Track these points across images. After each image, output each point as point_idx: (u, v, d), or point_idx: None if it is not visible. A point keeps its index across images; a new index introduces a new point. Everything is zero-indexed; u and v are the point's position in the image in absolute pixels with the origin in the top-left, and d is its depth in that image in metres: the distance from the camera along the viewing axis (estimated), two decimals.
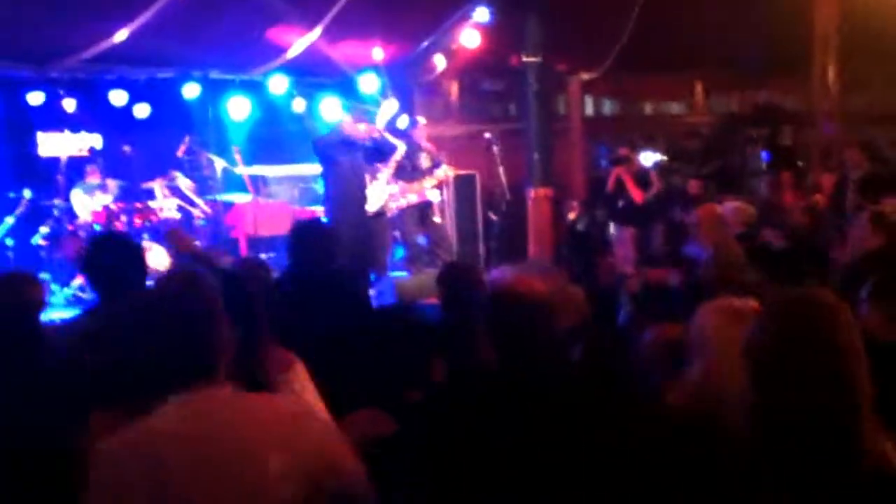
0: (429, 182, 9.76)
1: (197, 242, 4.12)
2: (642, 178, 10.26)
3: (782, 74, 12.90)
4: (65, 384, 3.08)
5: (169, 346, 2.20)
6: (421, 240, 9.88)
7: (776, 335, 2.15)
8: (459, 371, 3.55)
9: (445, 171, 9.94)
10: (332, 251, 4.81)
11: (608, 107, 15.08)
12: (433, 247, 9.79)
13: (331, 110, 10.95)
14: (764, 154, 13.08)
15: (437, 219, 9.96)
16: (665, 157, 12.38)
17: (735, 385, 2.82)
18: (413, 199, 9.70)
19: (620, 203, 10.19)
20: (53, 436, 2.89)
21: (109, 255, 3.78)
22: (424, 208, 9.78)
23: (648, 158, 11.66)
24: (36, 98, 9.81)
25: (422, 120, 10.25)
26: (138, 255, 3.89)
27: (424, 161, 9.82)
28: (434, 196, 9.88)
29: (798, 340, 2.11)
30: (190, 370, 2.19)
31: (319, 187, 10.44)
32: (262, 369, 3.14)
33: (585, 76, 13.12)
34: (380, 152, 9.21)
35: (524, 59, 10.66)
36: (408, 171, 9.68)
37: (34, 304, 3.67)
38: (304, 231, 4.84)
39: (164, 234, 5.28)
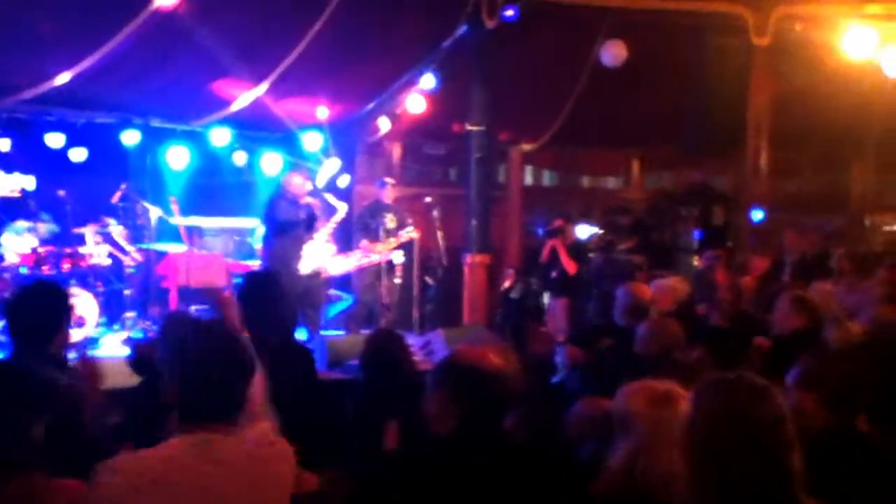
0: (392, 242, 9.83)
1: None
2: (577, 249, 10.40)
3: (715, 154, 13.25)
4: None
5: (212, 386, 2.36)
6: (370, 300, 9.90)
7: (712, 417, 2.20)
8: (415, 437, 3.54)
9: (409, 233, 9.99)
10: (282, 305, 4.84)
11: (547, 178, 15.31)
12: (381, 308, 9.79)
13: (272, 165, 10.94)
14: (696, 232, 13.36)
15: (397, 280, 9.97)
16: (600, 230, 12.56)
17: (662, 466, 2.86)
18: (376, 258, 9.76)
19: (554, 273, 10.29)
20: None
21: (37, 301, 3.70)
22: (382, 268, 9.80)
23: (584, 231, 11.82)
24: None
25: (390, 181, 10.30)
26: (66, 304, 3.81)
27: (390, 222, 9.89)
28: (396, 257, 9.91)
29: (734, 421, 2.15)
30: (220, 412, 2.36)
31: (255, 241, 10.38)
32: None
33: (526, 147, 13.32)
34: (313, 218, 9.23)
35: (468, 126, 10.79)
36: (372, 231, 9.74)
37: None
38: (257, 285, 4.84)
39: (207, 290, 5.25)
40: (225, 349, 2.43)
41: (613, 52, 11.00)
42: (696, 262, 12.05)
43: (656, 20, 11.12)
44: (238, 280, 10.05)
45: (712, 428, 2.18)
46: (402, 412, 4.20)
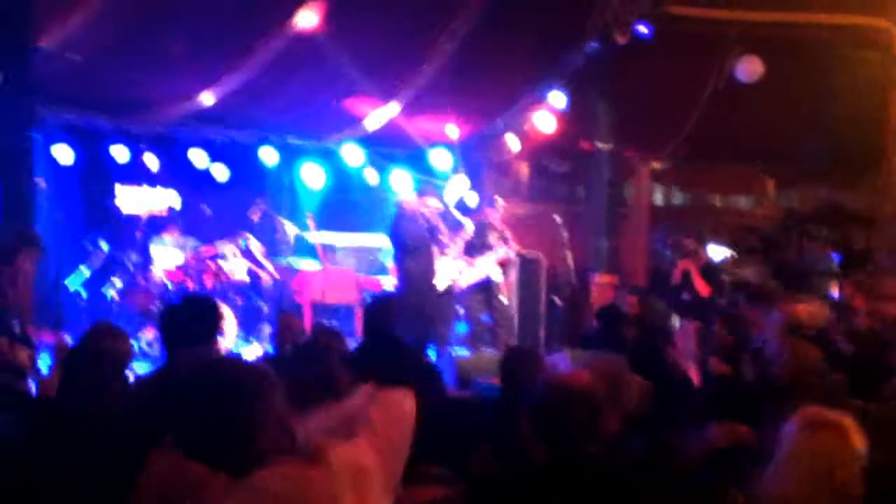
0: (490, 258, 9.82)
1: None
2: (709, 271, 10.17)
3: (853, 171, 12.80)
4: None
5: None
6: (485, 318, 9.90)
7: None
8: (506, 463, 3.54)
9: (507, 252, 9.98)
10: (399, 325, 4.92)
11: (677, 197, 15.04)
12: (495, 326, 9.80)
13: (402, 183, 11.12)
14: (835, 256, 12.89)
15: (503, 298, 9.98)
16: (733, 252, 12.26)
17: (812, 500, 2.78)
18: (475, 275, 9.78)
19: (685, 296, 10.09)
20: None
21: (191, 314, 3.87)
22: (490, 287, 9.82)
23: (716, 252, 11.56)
24: (117, 151, 10.07)
25: (500, 200, 10.33)
26: (218, 316, 3.97)
27: (492, 239, 9.91)
28: (496, 275, 9.91)
29: None
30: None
31: (386, 258, 10.56)
32: None
33: (655, 165, 13.14)
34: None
35: (596, 144, 10.73)
36: (477, 248, 9.78)
37: (124, 356, 3.77)
38: (379, 306, 4.94)
39: (279, 316, 5.49)
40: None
41: (749, 68, 10.76)
42: (833, 287, 11.61)
43: (789, 34, 10.84)
44: (368, 296, 10.30)
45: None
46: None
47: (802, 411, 3.09)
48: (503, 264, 10.08)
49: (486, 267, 9.80)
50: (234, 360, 2.57)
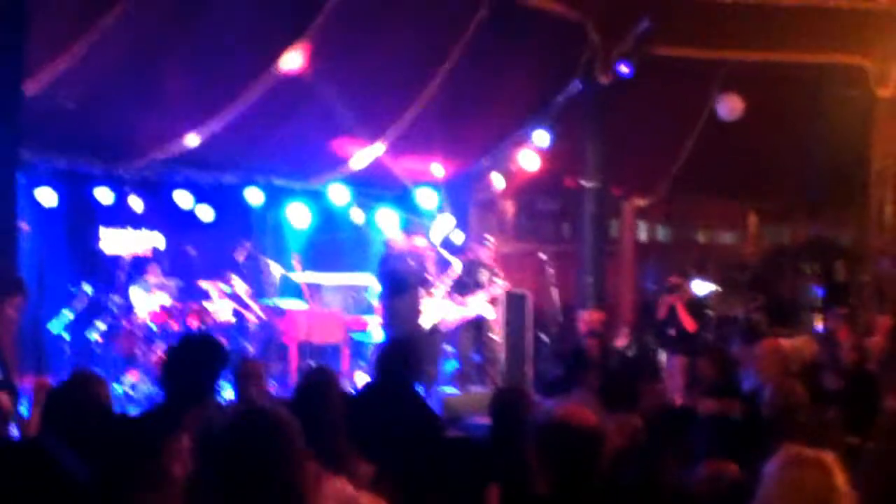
0: (482, 297, 9.83)
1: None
2: (695, 307, 10.20)
3: (836, 207, 12.91)
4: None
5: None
6: (474, 356, 9.90)
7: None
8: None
9: (497, 288, 10.00)
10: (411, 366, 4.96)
11: (661, 233, 15.12)
12: (485, 364, 9.79)
13: (388, 222, 11.13)
14: (818, 289, 12.96)
15: (494, 336, 9.98)
16: (718, 288, 12.31)
17: None
18: (466, 313, 9.78)
19: (672, 331, 10.11)
20: None
21: (197, 355, 3.85)
22: (481, 324, 9.82)
23: (701, 288, 11.60)
24: (102, 194, 10.00)
25: (491, 238, 10.37)
26: (223, 356, 3.95)
27: (483, 277, 9.94)
28: (489, 312, 9.92)
29: None
30: None
31: (372, 297, 10.54)
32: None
33: (640, 201, 13.22)
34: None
35: (582, 182, 10.79)
36: (468, 287, 9.79)
37: (105, 404, 3.73)
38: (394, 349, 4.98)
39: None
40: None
41: (730, 106, 10.89)
42: (817, 320, 11.66)
43: (771, 73, 10.97)
44: (355, 336, 10.26)
45: None
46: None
47: (785, 449, 3.08)
48: (494, 301, 10.09)
49: (478, 305, 9.81)
50: (272, 410, 2.57)
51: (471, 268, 9.98)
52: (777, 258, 13.97)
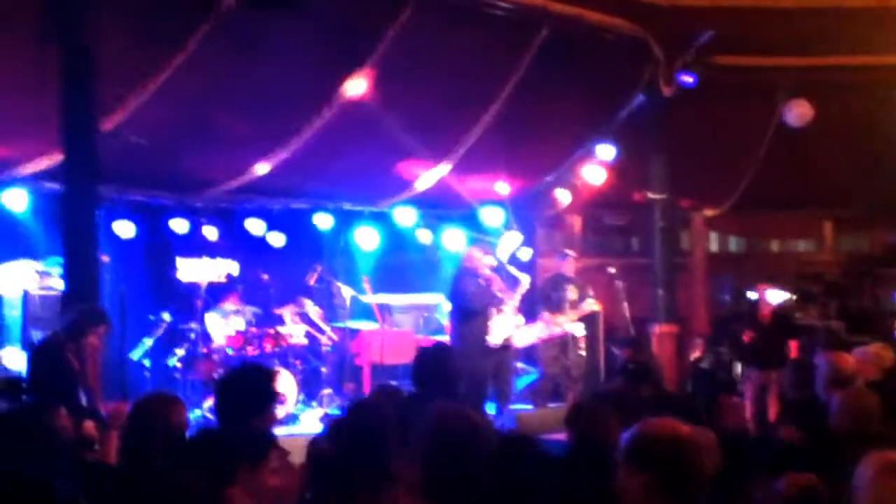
0: (573, 315, 9.88)
1: None
2: (781, 318, 10.04)
3: None
4: None
5: None
6: (556, 371, 9.93)
7: None
8: None
9: (591, 305, 10.03)
10: (453, 377, 4.91)
11: (733, 243, 14.90)
12: (567, 379, 9.80)
13: (455, 242, 11.20)
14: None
15: (582, 352, 9.99)
16: (793, 297, 12.08)
17: None
18: (558, 331, 9.82)
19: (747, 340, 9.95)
20: None
21: (246, 381, 3.94)
22: (567, 342, 9.85)
23: (777, 298, 11.39)
24: (178, 225, 10.29)
25: (570, 253, 10.41)
26: (272, 384, 4.02)
27: (571, 294, 9.96)
28: (578, 329, 9.95)
29: None
30: None
31: (442, 317, 10.61)
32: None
33: (710, 213, 13.07)
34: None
35: (649, 195, 10.72)
36: (554, 303, 9.82)
37: (180, 425, 3.85)
38: (429, 358, 4.97)
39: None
40: None
41: (798, 112, 10.71)
42: None
43: (839, 77, 10.77)
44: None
45: None
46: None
47: (874, 456, 3.04)
48: (587, 317, 10.12)
49: (569, 323, 9.86)
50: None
51: (556, 283, 10.02)
52: (856, 266, 13.66)
